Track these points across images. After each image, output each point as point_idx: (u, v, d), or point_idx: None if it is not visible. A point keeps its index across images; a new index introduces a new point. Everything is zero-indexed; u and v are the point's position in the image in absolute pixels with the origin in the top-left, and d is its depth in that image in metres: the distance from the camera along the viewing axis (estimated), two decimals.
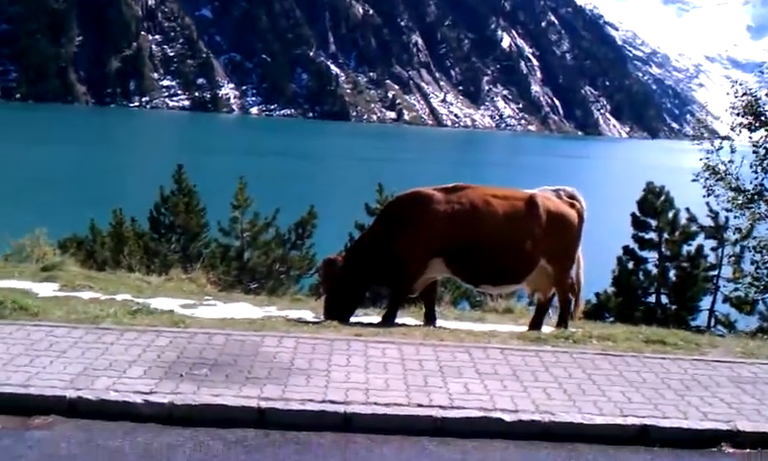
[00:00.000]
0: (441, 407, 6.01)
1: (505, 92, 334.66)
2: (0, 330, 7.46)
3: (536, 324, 9.72)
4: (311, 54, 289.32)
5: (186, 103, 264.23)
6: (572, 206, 9.47)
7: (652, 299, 16.65)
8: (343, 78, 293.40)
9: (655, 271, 16.70)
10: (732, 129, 17.61)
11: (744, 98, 17.39)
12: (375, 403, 6.00)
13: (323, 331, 8.09)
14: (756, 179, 17.00)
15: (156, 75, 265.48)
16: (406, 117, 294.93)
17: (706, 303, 16.88)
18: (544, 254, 9.19)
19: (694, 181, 17.26)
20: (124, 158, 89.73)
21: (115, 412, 5.77)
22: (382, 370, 6.81)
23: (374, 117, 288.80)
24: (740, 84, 17.64)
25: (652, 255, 16.87)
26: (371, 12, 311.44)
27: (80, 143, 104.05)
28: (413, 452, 5.43)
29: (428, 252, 9.04)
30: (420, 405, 6.02)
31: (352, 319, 9.38)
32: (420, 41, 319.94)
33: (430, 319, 9.59)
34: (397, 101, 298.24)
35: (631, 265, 16.82)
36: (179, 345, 7.22)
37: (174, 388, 6.09)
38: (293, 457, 5.23)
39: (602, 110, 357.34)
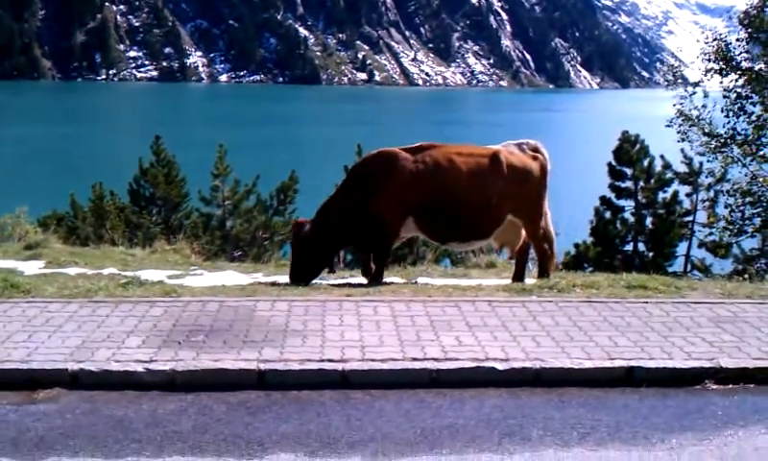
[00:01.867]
0: (435, 360, 6.18)
1: (476, 48, 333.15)
2: None
3: (518, 276, 9.86)
4: (279, 17, 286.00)
5: (154, 73, 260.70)
6: (535, 158, 9.60)
7: (629, 247, 16.94)
8: (312, 41, 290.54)
9: (632, 219, 16.97)
10: (705, 74, 17.84)
11: (714, 44, 17.60)
12: (371, 360, 6.16)
13: (314, 294, 8.23)
14: (729, 123, 17.26)
15: (122, 46, 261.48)
16: (377, 78, 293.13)
17: (682, 248, 17.20)
18: (511, 208, 9.35)
19: (668, 126, 17.51)
20: (97, 133, 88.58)
21: (118, 382, 5.89)
22: (375, 327, 6.97)
23: (345, 79, 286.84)
24: (710, 31, 17.84)
25: (628, 204, 17.14)
26: None
27: (50, 120, 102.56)
28: (411, 404, 5.59)
29: (402, 210, 9.19)
30: (414, 359, 6.19)
31: (340, 280, 9.54)
32: (388, 0, 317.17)
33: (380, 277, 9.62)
34: (368, 62, 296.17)
35: (608, 214, 17.09)
36: (173, 313, 7.34)
37: (173, 355, 6.21)
38: (295, 416, 5.38)
39: (572, 62, 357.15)
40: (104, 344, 6.49)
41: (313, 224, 9.45)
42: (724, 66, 17.32)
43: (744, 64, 17.25)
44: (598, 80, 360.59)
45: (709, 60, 17.52)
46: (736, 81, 17.29)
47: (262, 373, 5.95)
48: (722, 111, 17.19)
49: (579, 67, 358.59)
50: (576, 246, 16.72)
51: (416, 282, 9.55)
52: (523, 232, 9.77)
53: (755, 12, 17.11)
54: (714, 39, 17.46)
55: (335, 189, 9.75)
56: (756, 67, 17.06)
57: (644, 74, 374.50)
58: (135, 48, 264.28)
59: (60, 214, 18.57)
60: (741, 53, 17.38)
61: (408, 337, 6.70)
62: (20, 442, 4.96)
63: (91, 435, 5.06)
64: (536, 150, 9.75)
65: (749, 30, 17.09)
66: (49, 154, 67.38)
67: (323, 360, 6.13)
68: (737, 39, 17.46)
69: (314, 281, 9.50)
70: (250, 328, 6.90)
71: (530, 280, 9.67)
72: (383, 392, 5.79)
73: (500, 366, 6.11)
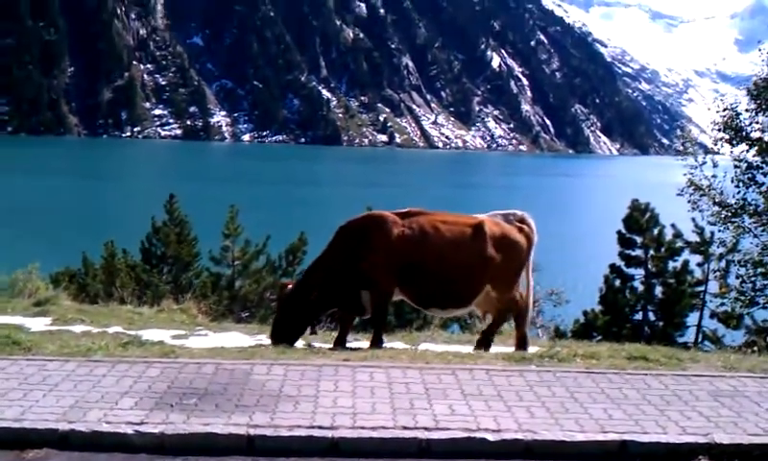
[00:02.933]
0: (426, 429, 6.15)
1: (496, 112, 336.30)
2: None
3: (483, 343, 9.82)
4: (302, 79, 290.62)
5: (178, 131, 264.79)
6: (520, 230, 9.62)
7: (639, 316, 16.80)
8: (334, 102, 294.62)
9: (641, 288, 16.85)
10: (714, 144, 17.90)
11: (725, 113, 17.68)
12: (362, 427, 6.14)
13: (312, 358, 8.22)
14: (739, 193, 17.22)
15: (147, 104, 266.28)
16: (398, 140, 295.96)
17: (693, 318, 17.02)
18: (490, 278, 9.38)
19: (679, 195, 17.48)
20: (116, 189, 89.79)
21: (107, 443, 5.89)
22: (369, 394, 6.94)
23: (366, 141, 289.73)
24: (721, 100, 17.95)
25: (638, 273, 17.03)
26: (361, 35, 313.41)
27: (72, 175, 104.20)
28: None
29: (390, 274, 9.23)
30: (405, 428, 6.16)
31: (349, 344, 9.56)
32: (410, 64, 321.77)
33: (342, 343, 9.67)
34: (389, 124, 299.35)
35: (618, 283, 16.97)
36: (169, 375, 7.35)
37: (165, 418, 6.22)
38: None
39: (592, 128, 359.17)
40: (97, 404, 6.50)
41: (296, 286, 9.52)
42: (734, 136, 17.40)
43: (754, 135, 17.30)
44: (618, 146, 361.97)
45: (719, 130, 17.61)
46: (747, 151, 17.35)
47: (251, 438, 5.94)
48: (732, 181, 17.20)
49: (599, 133, 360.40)
50: (585, 314, 16.62)
51: (416, 349, 9.52)
52: (517, 298, 9.80)
53: (763, 83, 17.21)
54: (725, 109, 17.57)
55: (322, 251, 9.76)
56: (766, 138, 17.11)
57: (664, 141, 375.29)
58: (161, 106, 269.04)
59: (71, 271, 18.77)
60: (751, 123, 17.45)
61: (401, 405, 6.67)
62: None
63: None
64: (522, 221, 9.77)
65: (758, 100, 17.17)
66: (67, 209, 68.29)
67: (312, 427, 6.11)
68: (746, 110, 17.53)
69: (313, 345, 9.53)
70: (243, 392, 6.90)
71: (534, 348, 9.62)
72: (372, 460, 5.76)
73: (491, 437, 6.06)
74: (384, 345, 9.64)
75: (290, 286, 9.67)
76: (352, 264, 9.26)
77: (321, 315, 9.96)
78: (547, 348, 9.51)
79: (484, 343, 9.77)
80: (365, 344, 9.85)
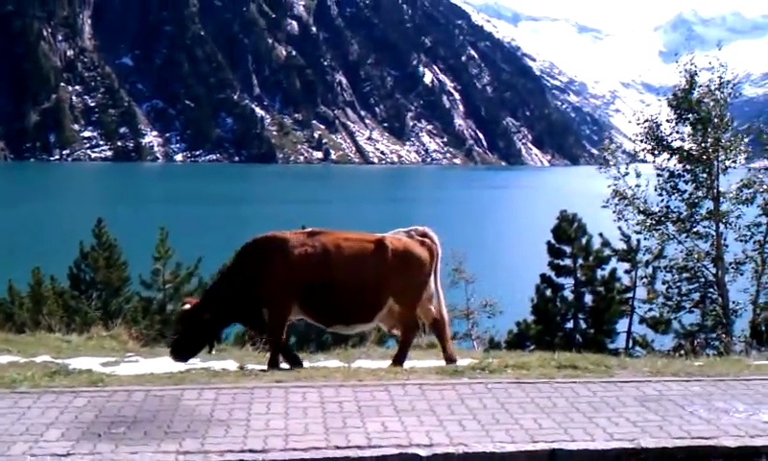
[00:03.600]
0: (358, 447, 6.13)
1: (429, 127, 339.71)
2: None
3: (398, 360, 9.82)
4: (235, 97, 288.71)
5: (109, 153, 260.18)
6: (422, 244, 9.73)
7: (571, 324, 17.12)
8: (268, 120, 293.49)
9: (572, 297, 17.19)
10: (635, 154, 18.43)
11: (645, 124, 18.22)
12: (294, 449, 6.09)
13: (243, 381, 8.14)
14: (662, 201, 17.73)
15: (76, 126, 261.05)
16: (333, 156, 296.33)
17: (623, 325, 17.42)
18: (392, 293, 9.49)
19: (604, 207, 17.91)
20: (43, 214, 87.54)
21: None
22: (302, 414, 6.90)
23: (302, 158, 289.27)
24: (641, 112, 18.50)
25: (568, 282, 17.38)
26: (293, 53, 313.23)
27: None
28: None
29: (288, 294, 9.31)
30: (337, 447, 6.13)
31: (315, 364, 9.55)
32: (344, 80, 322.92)
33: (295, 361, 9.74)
34: (324, 140, 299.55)
35: (549, 292, 17.29)
36: (97, 404, 7.19)
37: (92, 448, 6.07)
38: None
39: (524, 140, 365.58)
40: (21, 437, 6.31)
41: (194, 305, 9.60)
42: (656, 146, 17.93)
43: (675, 144, 17.85)
44: (549, 157, 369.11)
45: (642, 141, 18.13)
46: (668, 159, 17.89)
47: None
48: (656, 190, 17.70)
49: (530, 145, 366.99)
50: (518, 324, 16.88)
51: (350, 366, 9.53)
52: (432, 311, 9.89)
53: (682, 93, 17.79)
54: (645, 121, 18.10)
55: (223, 270, 9.81)
56: (686, 147, 17.66)
57: (593, 151, 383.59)
58: (91, 128, 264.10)
59: None
60: (671, 133, 18.00)
61: (334, 424, 6.65)
62: None
63: None
64: (424, 235, 9.88)
65: (677, 111, 17.73)
66: None
67: (244, 451, 6.04)
68: (667, 120, 18.09)
69: (246, 367, 9.47)
70: (174, 419, 6.79)
71: (466, 360, 9.70)
72: None
73: (423, 452, 6.08)
74: (301, 363, 9.67)
75: (187, 305, 9.70)
76: (251, 283, 9.33)
77: (219, 331, 10.01)
78: (480, 359, 9.60)
79: (398, 361, 9.80)
80: (329, 363, 9.84)
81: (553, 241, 17.50)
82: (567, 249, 17.28)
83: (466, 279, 20.97)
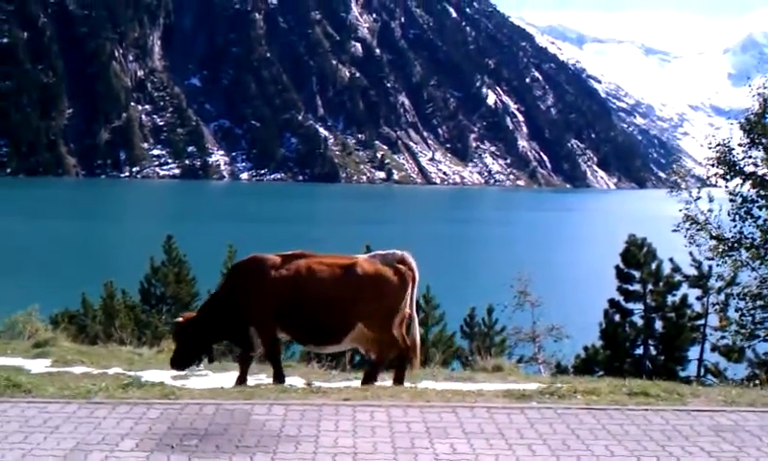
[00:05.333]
0: None
1: (492, 148, 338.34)
2: None
3: (368, 379, 9.91)
4: (300, 118, 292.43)
5: (177, 171, 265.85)
6: (396, 270, 9.70)
7: (640, 350, 16.77)
8: (332, 140, 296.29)
9: (641, 322, 16.85)
10: (708, 179, 18.01)
11: (718, 148, 17.81)
12: None
13: (312, 398, 8.21)
14: (735, 227, 17.28)
15: (146, 145, 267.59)
16: (395, 177, 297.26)
17: (694, 352, 16.99)
18: (361, 316, 9.55)
19: (675, 231, 17.53)
20: (115, 230, 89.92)
21: None
22: (370, 433, 6.92)
23: (364, 178, 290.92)
24: (713, 136, 18.09)
25: (638, 307, 17.03)
26: (357, 74, 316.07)
27: (71, 216, 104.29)
28: None
29: (270, 316, 9.65)
30: None
31: (333, 384, 9.66)
32: (406, 102, 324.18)
33: (243, 381, 10.01)
34: (386, 161, 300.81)
35: (617, 318, 16.97)
36: (169, 416, 7.33)
37: (165, 460, 6.19)
38: None
39: (589, 163, 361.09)
40: (98, 446, 6.47)
41: (186, 319, 10.09)
42: (728, 171, 17.51)
43: (747, 169, 17.42)
44: (615, 180, 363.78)
45: (713, 165, 17.74)
46: (741, 185, 17.45)
47: None
48: (729, 215, 17.27)
49: (595, 167, 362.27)
50: (585, 349, 16.61)
51: (416, 387, 9.51)
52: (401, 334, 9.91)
53: (755, 117, 17.36)
54: (717, 144, 17.70)
55: (215, 289, 10.44)
56: (760, 172, 17.22)
57: (661, 174, 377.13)
58: (159, 146, 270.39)
59: (71, 312, 18.77)
60: (744, 158, 17.57)
61: (402, 444, 6.65)
62: None
63: None
64: (402, 261, 9.84)
65: (750, 135, 17.31)
66: (66, 250, 68.24)
67: None
68: (740, 144, 17.66)
69: (313, 384, 9.55)
70: (244, 433, 6.87)
71: (534, 384, 9.59)
72: None
73: None
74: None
75: (180, 319, 10.28)
76: (235, 303, 9.76)
77: (211, 346, 10.37)
78: (548, 384, 9.49)
79: (369, 379, 9.86)
80: (356, 383, 9.86)
81: (622, 265, 17.18)
82: (637, 274, 16.94)
83: (531, 302, 20.76)
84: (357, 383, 9.93)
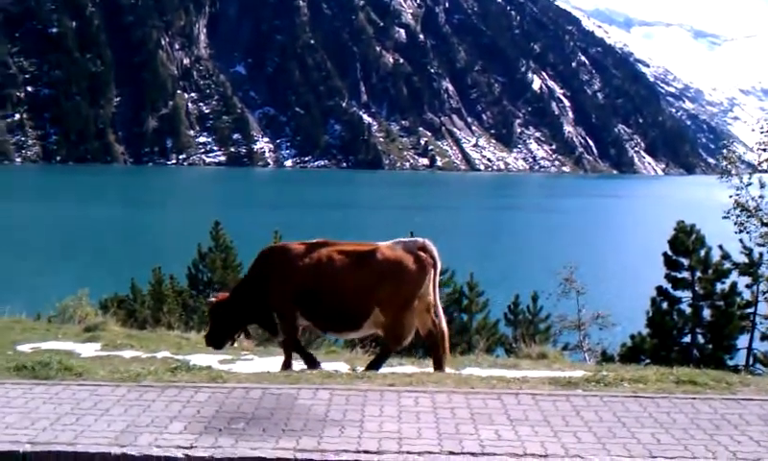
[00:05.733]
0: (472, 454, 6.11)
1: (537, 134, 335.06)
2: (47, 390, 7.76)
3: (374, 365, 10.00)
4: (343, 105, 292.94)
5: (222, 158, 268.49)
6: (417, 257, 9.72)
7: (688, 339, 16.51)
8: (375, 127, 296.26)
9: (689, 310, 16.58)
10: (759, 164, 17.65)
11: None
12: (408, 452, 6.12)
13: (356, 383, 8.26)
14: None
15: (192, 132, 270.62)
16: (439, 163, 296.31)
17: (743, 341, 16.68)
18: (378, 302, 9.61)
19: (725, 217, 17.21)
20: (163, 217, 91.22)
21: None
22: (415, 419, 6.94)
23: (407, 164, 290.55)
24: (765, 120, 17.70)
25: (686, 295, 16.76)
26: (401, 60, 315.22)
27: (119, 203, 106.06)
28: None
29: (291, 302, 9.81)
30: (451, 453, 6.13)
31: (382, 370, 9.67)
32: (450, 87, 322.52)
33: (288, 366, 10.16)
34: (430, 147, 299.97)
35: (665, 305, 16.71)
36: (217, 400, 7.44)
37: (213, 442, 6.28)
38: None
39: (636, 148, 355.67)
40: (147, 429, 6.60)
41: (219, 300, 10.41)
42: None
43: None
44: (663, 166, 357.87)
45: (764, 150, 17.36)
46: None
47: None
48: None
49: (643, 153, 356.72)
50: (632, 337, 16.40)
51: (460, 373, 9.51)
52: (428, 322, 9.91)
53: None
54: None
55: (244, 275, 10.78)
56: None
57: (710, 160, 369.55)
58: (205, 134, 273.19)
59: (120, 297, 19.11)
60: None
61: (447, 430, 6.66)
62: None
63: None
64: (423, 248, 9.87)
65: None
66: (115, 236, 69.42)
67: (359, 451, 6.13)
68: None
69: (357, 369, 9.63)
70: (290, 417, 6.95)
71: (580, 372, 9.52)
72: None
73: None
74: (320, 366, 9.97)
75: (213, 299, 10.66)
76: (259, 289, 9.99)
77: (242, 328, 10.62)
78: (594, 372, 9.41)
79: (371, 366, 9.90)
80: (410, 369, 9.88)
81: (670, 253, 16.88)
82: (685, 261, 16.63)
83: (577, 289, 20.59)
84: (402, 369, 9.98)
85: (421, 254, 9.77)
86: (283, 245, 10.39)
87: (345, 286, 9.63)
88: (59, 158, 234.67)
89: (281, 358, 10.96)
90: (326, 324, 10.06)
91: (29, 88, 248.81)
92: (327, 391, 7.80)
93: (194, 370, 8.91)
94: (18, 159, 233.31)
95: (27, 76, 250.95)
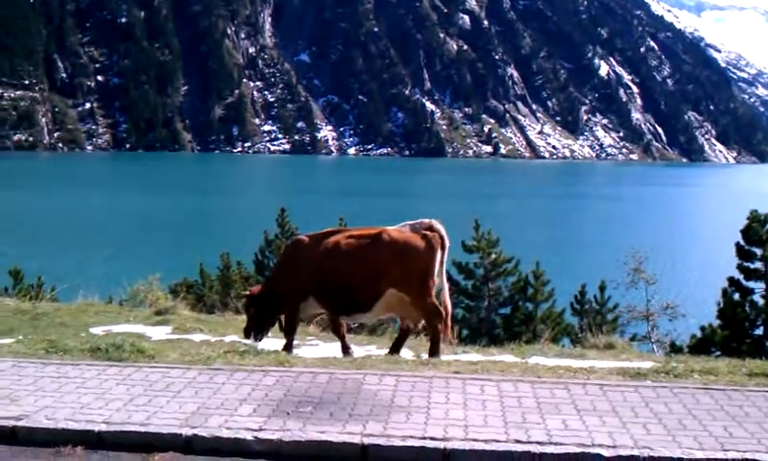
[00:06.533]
0: (539, 443, 6.08)
1: (604, 121, 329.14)
2: (120, 372, 8.00)
3: (395, 348, 10.30)
4: (406, 92, 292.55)
5: (287, 146, 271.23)
6: (424, 237, 9.83)
7: (760, 331, 16.05)
8: (438, 114, 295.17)
9: (762, 302, 16.11)
10: None
11: None
12: (474, 440, 6.13)
13: (422, 369, 8.28)
14: None
15: (257, 120, 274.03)
16: (503, 151, 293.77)
17: None
18: (393, 283, 9.75)
19: None
20: (231, 203, 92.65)
21: (228, 449, 6.11)
22: (481, 406, 6.93)
23: (470, 152, 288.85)
24: None
25: (759, 286, 16.28)
26: (465, 47, 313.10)
27: (188, 190, 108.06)
28: None
29: (301, 292, 10.22)
30: (518, 441, 6.11)
31: (446, 357, 9.68)
32: (515, 74, 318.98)
33: (346, 349, 10.53)
34: (493, 135, 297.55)
35: (737, 297, 16.26)
36: (285, 384, 7.56)
37: (282, 425, 6.40)
38: None
39: (707, 136, 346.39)
40: (217, 411, 6.75)
41: (252, 293, 10.84)
42: None
43: None
44: (735, 154, 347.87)
45: None
46: None
47: (365, 447, 6.04)
48: None
49: (714, 141, 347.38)
50: (702, 329, 16.01)
51: (526, 362, 9.45)
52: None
53: None
54: None
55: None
56: None
57: None
58: (270, 122, 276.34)
59: (189, 282, 19.49)
60: None
61: (513, 418, 6.63)
62: None
63: None
64: (430, 228, 9.98)
65: None
66: (185, 223, 70.80)
67: (425, 438, 6.16)
68: None
69: (422, 355, 9.66)
70: (356, 402, 7.02)
71: (647, 363, 9.37)
72: None
73: (606, 453, 5.95)
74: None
75: (247, 291, 11.22)
76: (272, 284, 10.55)
77: (276, 318, 10.77)
78: (663, 363, 9.25)
79: (433, 353, 9.87)
80: (475, 357, 9.86)
81: (743, 243, 16.41)
82: (758, 251, 16.14)
83: (646, 280, 20.20)
84: (467, 357, 9.96)
85: (429, 233, 9.92)
86: (299, 237, 10.94)
87: (353, 270, 9.87)
88: (128, 146, 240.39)
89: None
90: (337, 308, 10.28)
91: (99, 78, 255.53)
92: (393, 377, 7.85)
93: (262, 354, 9.07)
94: (89, 147, 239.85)
95: (97, 65, 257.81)
